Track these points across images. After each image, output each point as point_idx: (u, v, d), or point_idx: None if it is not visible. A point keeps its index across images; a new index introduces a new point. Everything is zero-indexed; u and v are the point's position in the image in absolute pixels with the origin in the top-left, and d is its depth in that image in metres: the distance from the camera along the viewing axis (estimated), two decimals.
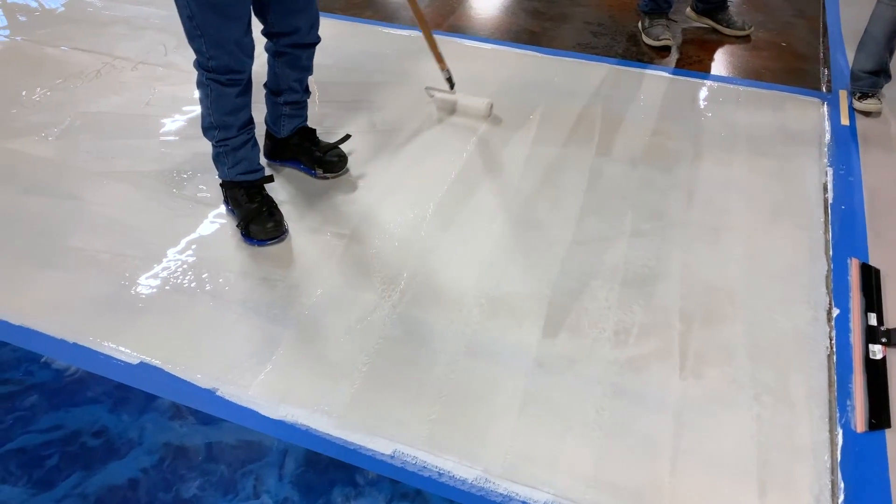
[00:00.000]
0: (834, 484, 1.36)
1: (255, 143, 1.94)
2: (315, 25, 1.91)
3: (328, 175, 2.13)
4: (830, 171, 2.18)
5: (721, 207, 2.04)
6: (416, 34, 2.93)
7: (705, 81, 2.67)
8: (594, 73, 2.71)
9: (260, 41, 1.81)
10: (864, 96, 2.44)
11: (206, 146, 1.95)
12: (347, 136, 2.19)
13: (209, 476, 1.37)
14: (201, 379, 1.54)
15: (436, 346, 1.62)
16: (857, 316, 1.69)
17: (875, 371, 1.56)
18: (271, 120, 2.11)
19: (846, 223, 1.97)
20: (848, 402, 1.50)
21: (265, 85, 2.04)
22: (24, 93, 2.52)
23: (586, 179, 2.14)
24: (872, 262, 1.84)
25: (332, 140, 2.17)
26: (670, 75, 2.70)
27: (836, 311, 1.70)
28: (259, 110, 2.12)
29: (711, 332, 1.66)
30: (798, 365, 1.59)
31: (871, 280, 1.78)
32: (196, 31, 1.67)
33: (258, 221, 1.88)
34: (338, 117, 2.41)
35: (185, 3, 1.63)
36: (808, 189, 2.11)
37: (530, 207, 2.03)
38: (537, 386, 1.54)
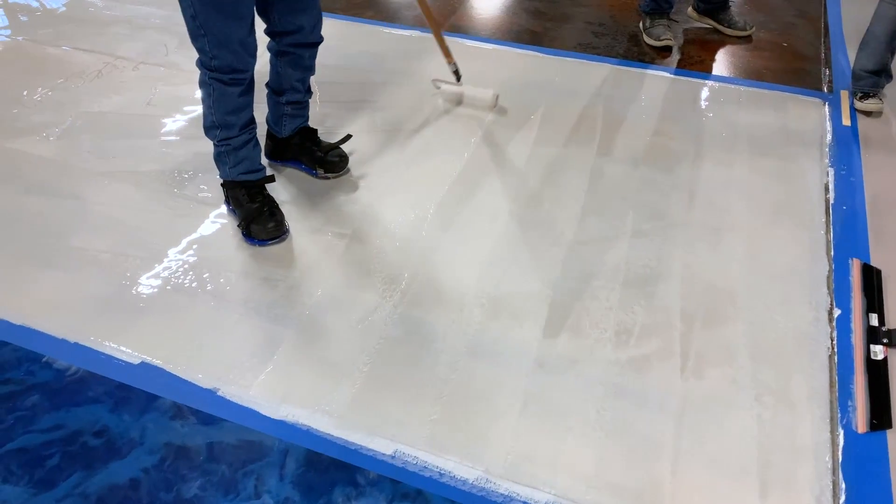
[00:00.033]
0: (835, 484, 1.36)
1: (257, 143, 1.94)
2: (318, 24, 1.91)
3: (329, 175, 2.13)
4: (832, 172, 2.18)
5: (722, 208, 2.04)
6: (418, 34, 2.93)
7: (706, 82, 2.67)
8: (595, 74, 2.71)
9: (262, 41, 1.81)
10: (865, 96, 2.44)
11: (208, 146, 1.95)
12: (348, 137, 2.19)
13: (210, 476, 1.37)
14: (202, 379, 1.54)
15: (437, 347, 1.62)
16: (858, 316, 1.69)
17: (876, 371, 1.56)
18: (273, 120, 2.11)
19: (847, 223, 1.97)
20: (849, 403, 1.50)
21: (267, 84, 2.05)
22: (25, 93, 2.52)
23: (587, 179, 2.14)
24: (874, 263, 1.83)
25: (334, 140, 2.17)
26: (671, 75, 2.70)
27: (837, 312, 1.70)
28: (260, 110, 2.12)
29: (713, 332, 1.66)
30: (799, 365, 1.59)
31: (872, 280, 1.77)
32: (199, 30, 1.67)
33: (259, 221, 1.88)
34: (339, 117, 2.41)
35: (188, 3, 1.63)
36: (810, 189, 2.11)
37: (531, 207, 2.03)
38: (538, 386, 1.54)
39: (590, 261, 1.85)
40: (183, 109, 2.45)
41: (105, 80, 2.62)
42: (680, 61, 2.82)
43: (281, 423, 1.46)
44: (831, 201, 2.06)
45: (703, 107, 2.51)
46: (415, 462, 1.39)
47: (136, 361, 1.58)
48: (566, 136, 2.34)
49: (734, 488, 1.35)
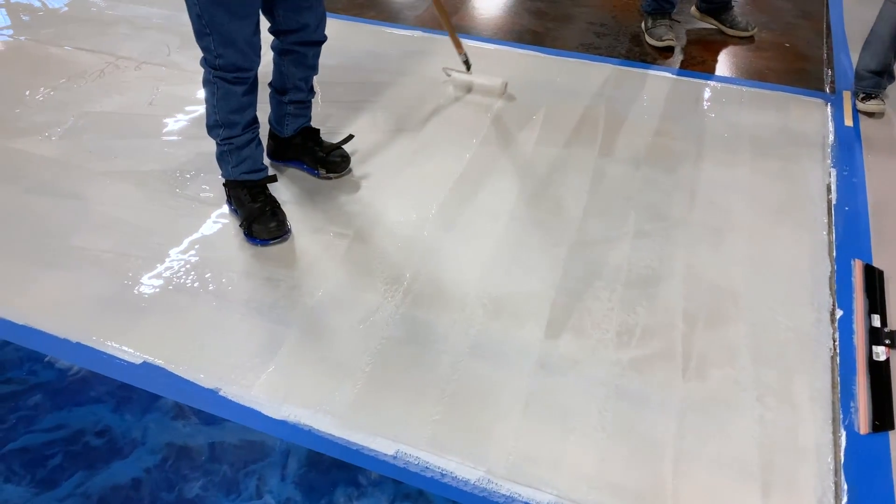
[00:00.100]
0: (837, 486, 1.36)
1: (260, 143, 1.94)
2: (322, 23, 1.92)
3: (331, 175, 2.13)
4: (834, 172, 2.17)
5: (724, 208, 2.03)
6: (419, 34, 2.94)
7: (708, 82, 2.66)
8: (597, 74, 2.71)
9: (264, 41, 1.81)
10: (867, 97, 2.44)
11: (209, 146, 1.95)
12: (350, 137, 2.19)
13: (212, 476, 1.37)
14: (204, 379, 1.54)
15: (439, 347, 1.62)
16: (860, 317, 1.68)
17: (878, 372, 1.56)
18: (275, 119, 2.11)
19: (850, 224, 1.97)
20: (851, 404, 1.50)
21: (270, 84, 2.05)
22: (27, 92, 2.52)
23: (589, 180, 2.14)
24: (876, 264, 1.83)
25: (336, 140, 2.17)
26: (673, 76, 2.70)
27: (839, 313, 1.70)
28: (262, 110, 2.12)
29: (714, 333, 1.66)
30: (801, 366, 1.59)
31: (874, 281, 1.77)
32: (205, 28, 1.67)
33: (261, 221, 1.88)
34: (341, 117, 2.41)
35: (194, 2, 1.63)
36: (812, 190, 2.11)
37: (533, 208, 2.03)
38: (540, 387, 1.54)
39: (592, 261, 1.85)
40: (185, 109, 2.45)
41: (107, 79, 2.62)
42: (682, 62, 2.82)
43: (283, 424, 1.46)
44: (833, 202, 2.05)
45: (705, 107, 2.51)
46: (416, 462, 1.39)
47: (138, 361, 1.58)
48: (568, 136, 2.34)
49: (736, 489, 1.35)
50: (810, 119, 2.45)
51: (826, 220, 1.99)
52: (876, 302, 1.71)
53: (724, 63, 2.83)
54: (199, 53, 1.75)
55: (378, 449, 1.41)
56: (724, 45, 2.96)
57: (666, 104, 2.52)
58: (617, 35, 3.02)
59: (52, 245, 1.89)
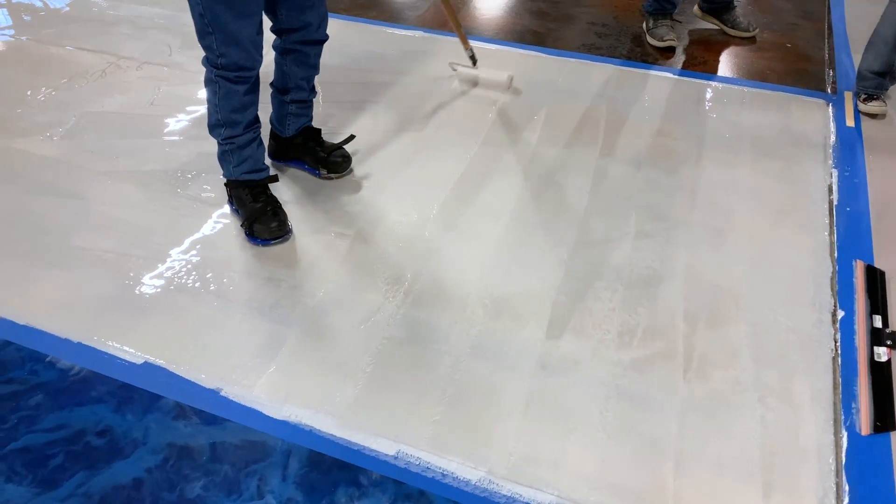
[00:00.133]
0: (839, 487, 1.36)
1: (261, 143, 1.94)
2: (324, 22, 1.92)
3: (332, 175, 2.13)
4: (835, 173, 2.17)
5: (725, 209, 2.03)
6: (420, 34, 2.94)
7: (710, 82, 2.66)
8: (598, 74, 2.70)
9: (266, 40, 1.82)
10: (869, 98, 2.44)
11: (211, 146, 1.95)
12: (352, 137, 2.19)
13: (213, 476, 1.37)
14: (205, 379, 1.54)
15: (440, 347, 1.62)
16: (861, 318, 1.68)
17: (880, 373, 1.56)
18: (277, 119, 2.11)
19: (851, 225, 1.97)
20: (853, 405, 1.50)
21: (272, 84, 2.05)
22: (29, 92, 2.53)
23: (590, 180, 2.14)
24: (877, 265, 1.83)
25: (337, 140, 2.17)
26: (675, 76, 2.70)
27: (840, 314, 1.70)
28: (264, 111, 2.12)
29: (716, 333, 1.66)
30: (803, 367, 1.58)
31: (876, 282, 1.77)
32: (207, 28, 1.67)
33: (262, 221, 1.89)
34: (342, 117, 2.42)
35: (196, 1, 1.63)
36: (813, 191, 2.11)
37: (534, 208, 2.03)
38: (541, 387, 1.54)
39: (593, 262, 1.85)
40: (186, 109, 2.45)
41: (108, 80, 2.62)
42: (683, 62, 2.82)
43: (284, 424, 1.46)
44: (835, 203, 2.05)
45: (707, 108, 2.51)
46: (417, 463, 1.39)
47: (140, 361, 1.58)
48: (569, 136, 2.34)
49: (737, 490, 1.35)
50: (812, 119, 2.45)
51: (827, 221, 1.99)
52: (877, 303, 1.71)
53: (726, 63, 2.83)
54: (201, 53, 1.76)
55: (379, 449, 1.41)
56: (725, 45, 2.96)
57: (667, 104, 2.52)
58: (618, 35, 3.02)
59: (54, 245, 1.89)
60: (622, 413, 1.49)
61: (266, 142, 2.13)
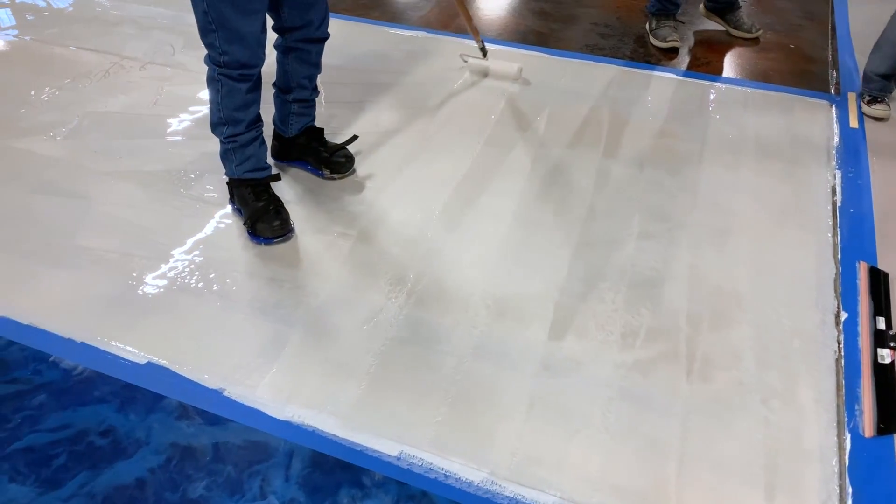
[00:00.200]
0: (842, 489, 1.36)
1: (263, 142, 1.94)
2: (325, 20, 1.92)
3: (335, 176, 2.13)
4: (839, 174, 2.17)
5: (729, 210, 2.03)
6: (423, 34, 2.94)
7: (713, 83, 2.66)
8: (601, 75, 2.70)
9: (268, 40, 1.82)
10: (873, 100, 2.43)
11: (214, 146, 1.95)
12: (355, 137, 2.19)
13: (216, 476, 1.37)
14: (208, 379, 1.54)
15: (442, 348, 1.62)
16: (865, 320, 1.68)
17: (883, 375, 1.55)
18: (279, 119, 2.11)
19: (855, 226, 1.97)
20: (856, 407, 1.49)
21: (274, 84, 2.05)
22: (32, 92, 2.53)
23: (593, 181, 2.14)
24: (881, 266, 1.83)
25: (340, 141, 2.17)
26: (678, 77, 2.70)
27: (844, 315, 1.70)
28: (267, 111, 2.12)
29: (719, 335, 1.66)
30: (806, 369, 1.58)
31: (879, 284, 1.77)
32: (210, 25, 1.67)
33: (265, 220, 1.89)
34: (345, 118, 2.42)
35: None
36: (817, 192, 2.11)
37: (537, 209, 2.03)
38: (544, 388, 1.53)
39: (596, 263, 1.85)
40: (189, 109, 2.45)
41: (112, 80, 2.62)
42: (686, 63, 2.82)
43: (286, 424, 1.46)
44: (838, 204, 2.05)
45: (710, 108, 2.51)
46: (420, 463, 1.39)
47: (143, 361, 1.58)
48: (572, 137, 2.34)
49: (740, 492, 1.35)
50: (815, 121, 2.44)
51: (831, 223, 1.99)
52: (881, 305, 1.71)
53: (729, 64, 2.83)
54: (204, 53, 1.75)
55: (382, 450, 1.41)
56: (728, 46, 2.96)
57: (670, 105, 2.52)
58: (621, 36, 3.02)
59: (57, 245, 1.89)
60: (625, 414, 1.48)
61: (268, 142, 2.13)
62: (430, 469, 1.38)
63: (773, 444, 1.43)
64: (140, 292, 1.76)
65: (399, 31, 2.99)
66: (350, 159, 2.14)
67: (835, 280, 1.80)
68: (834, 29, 3.08)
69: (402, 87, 2.60)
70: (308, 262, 1.85)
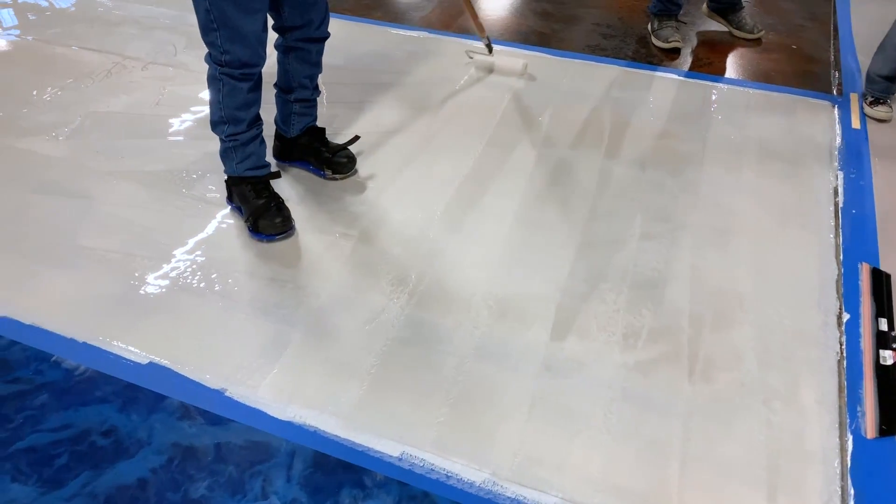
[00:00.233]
0: (844, 490, 1.35)
1: (263, 140, 1.95)
2: (325, 20, 1.93)
3: (337, 176, 2.13)
4: (841, 175, 2.17)
5: (730, 210, 2.03)
6: (425, 35, 2.94)
7: (715, 84, 2.66)
8: (603, 75, 2.70)
9: (269, 40, 1.82)
10: (875, 102, 2.43)
11: (216, 146, 1.96)
12: (357, 138, 2.19)
13: (217, 476, 1.37)
14: (210, 379, 1.54)
15: (444, 348, 1.62)
16: (867, 321, 1.68)
17: (886, 377, 1.55)
18: (281, 119, 2.12)
19: (857, 227, 1.96)
20: (858, 408, 1.49)
21: (275, 84, 2.05)
22: (34, 92, 2.53)
23: (595, 181, 2.14)
24: (883, 267, 1.83)
25: (341, 141, 2.17)
26: (680, 77, 2.70)
27: (846, 316, 1.70)
28: (269, 111, 2.12)
29: (721, 335, 1.66)
30: (808, 370, 1.58)
31: (881, 285, 1.77)
32: (212, 24, 1.67)
33: (267, 217, 1.89)
34: (347, 118, 2.42)
35: None
36: (819, 193, 2.10)
37: (539, 209, 2.03)
38: (546, 389, 1.53)
39: (597, 263, 1.85)
40: (191, 109, 2.46)
41: (114, 80, 2.63)
42: (688, 63, 2.82)
43: (288, 424, 1.46)
44: (840, 205, 2.05)
45: (712, 109, 2.50)
46: (422, 464, 1.39)
47: (145, 361, 1.58)
48: (574, 137, 2.34)
49: (742, 493, 1.35)
50: (817, 121, 2.44)
51: (833, 223, 1.99)
52: (883, 306, 1.71)
53: (731, 65, 2.82)
54: (206, 49, 1.76)
55: (383, 450, 1.41)
56: (730, 46, 2.96)
57: (672, 106, 2.52)
58: (623, 37, 3.02)
59: (59, 245, 1.89)
60: (627, 415, 1.48)
61: (269, 142, 2.14)
62: (432, 469, 1.38)
63: (775, 446, 1.43)
64: (142, 292, 1.76)
65: (401, 32, 2.99)
66: (352, 160, 2.14)
67: (837, 281, 1.80)
68: (836, 29, 3.08)
69: (404, 88, 2.60)
70: (310, 262, 1.85)
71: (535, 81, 2.65)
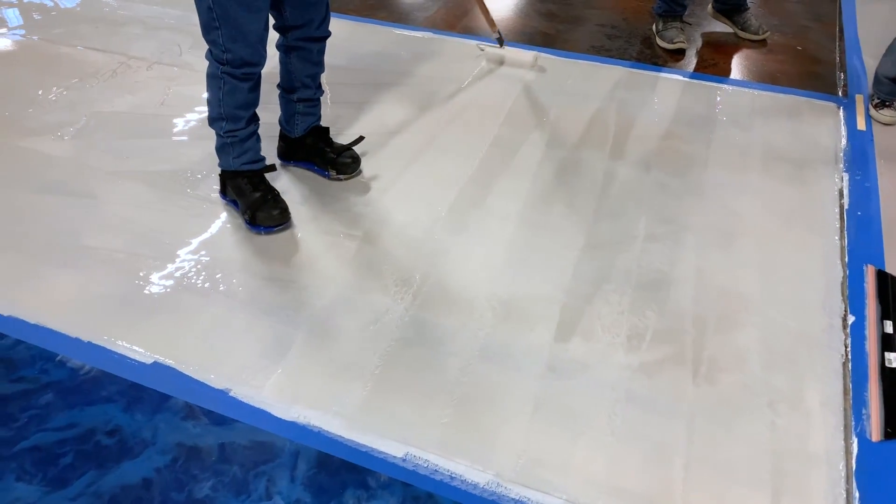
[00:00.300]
0: (849, 493, 1.35)
1: (259, 136, 1.96)
2: (326, 19, 1.93)
3: (341, 176, 2.13)
4: (846, 177, 2.16)
5: (735, 212, 2.03)
6: (430, 35, 2.94)
7: (720, 85, 2.65)
8: (608, 76, 2.70)
9: (270, 40, 1.82)
10: (881, 104, 2.42)
11: None
12: (361, 138, 2.19)
13: (222, 476, 1.37)
14: (214, 379, 1.55)
15: (448, 349, 1.62)
16: (872, 323, 1.67)
17: (891, 379, 1.55)
18: (285, 119, 2.12)
19: (862, 229, 1.96)
20: (863, 411, 1.49)
21: (278, 85, 2.05)
22: (40, 92, 2.54)
23: (600, 183, 2.14)
24: (889, 269, 1.82)
25: (346, 141, 2.17)
26: (685, 79, 2.69)
27: (851, 319, 1.69)
28: (272, 111, 2.13)
29: (725, 337, 1.66)
30: (813, 372, 1.58)
31: (887, 287, 1.76)
32: (214, 22, 1.67)
33: (264, 209, 1.90)
34: (351, 118, 2.42)
35: None
36: (824, 194, 2.10)
37: (543, 210, 2.03)
38: (550, 390, 1.53)
39: (602, 264, 1.85)
40: (196, 109, 2.46)
41: (119, 79, 2.63)
42: (693, 64, 2.81)
43: (292, 425, 1.46)
44: (846, 207, 2.04)
45: (717, 110, 2.50)
46: (426, 465, 1.39)
47: (149, 361, 1.58)
48: (578, 138, 2.34)
49: (746, 495, 1.35)
50: (822, 123, 2.44)
51: (838, 225, 1.98)
52: (888, 308, 1.70)
53: (736, 66, 2.82)
54: (207, 47, 1.76)
55: (387, 451, 1.41)
56: (735, 48, 2.95)
57: (677, 107, 2.51)
58: (628, 37, 3.01)
59: (64, 244, 1.90)
60: (631, 417, 1.48)
61: (274, 143, 2.14)
62: (436, 470, 1.38)
63: (780, 448, 1.42)
64: (146, 292, 1.76)
65: (405, 32, 2.99)
66: (356, 160, 2.14)
67: (842, 283, 1.80)
68: (842, 31, 3.07)
69: (409, 88, 2.60)
70: (313, 262, 1.86)
71: (540, 82, 2.64)
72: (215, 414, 1.48)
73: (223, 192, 2.01)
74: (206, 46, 1.77)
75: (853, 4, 3.27)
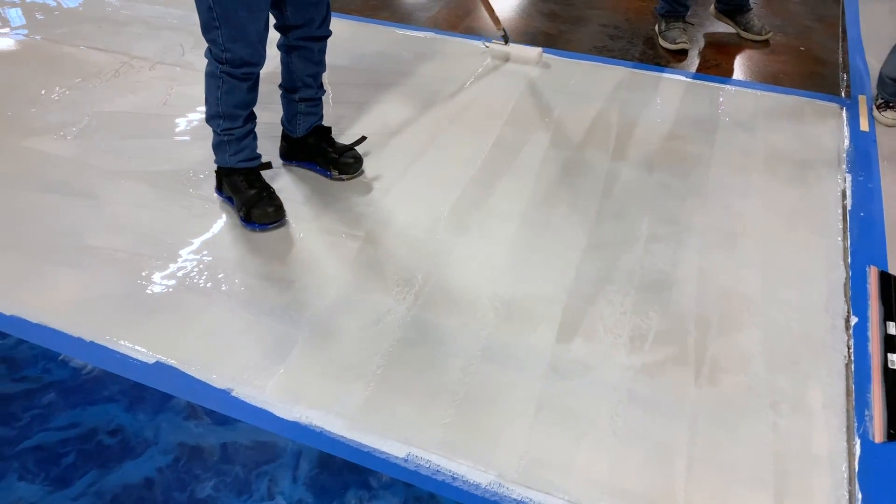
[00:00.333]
0: (851, 495, 1.35)
1: (256, 134, 1.96)
2: (327, 18, 1.94)
3: (343, 177, 2.13)
4: (849, 178, 2.16)
5: (738, 213, 2.02)
6: (432, 35, 2.94)
7: (723, 85, 2.65)
8: (610, 77, 2.70)
9: (270, 41, 1.82)
10: (884, 105, 2.42)
11: None
12: (363, 138, 2.20)
13: (224, 476, 1.37)
14: (216, 379, 1.55)
15: (450, 349, 1.62)
16: (875, 324, 1.67)
17: (894, 381, 1.54)
18: (287, 119, 2.12)
19: (865, 230, 1.96)
20: (866, 412, 1.49)
21: (280, 85, 2.06)
22: (42, 92, 2.54)
23: (602, 183, 2.14)
24: (892, 271, 1.82)
25: (348, 141, 2.17)
26: (687, 79, 2.69)
27: (854, 320, 1.69)
28: (275, 111, 2.13)
29: (728, 338, 1.65)
30: (815, 373, 1.57)
31: (890, 288, 1.76)
32: (214, 21, 1.68)
33: (259, 206, 1.90)
34: (353, 118, 2.42)
35: None
36: (827, 195, 2.10)
37: (546, 211, 2.03)
38: (552, 391, 1.53)
39: (604, 265, 1.85)
40: (198, 109, 2.46)
41: (122, 79, 2.63)
42: (696, 65, 2.81)
43: (294, 425, 1.46)
44: (849, 208, 2.04)
45: (719, 111, 2.50)
46: (427, 465, 1.39)
47: (151, 361, 1.59)
48: (581, 139, 2.34)
49: (748, 497, 1.34)
50: (825, 124, 2.43)
51: (841, 226, 1.98)
52: (891, 309, 1.70)
53: (739, 66, 2.82)
54: (207, 46, 1.76)
55: (389, 451, 1.41)
56: (738, 48, 2.95)
57: (680, 108, 2.51)
58: (630, 38, 3.01)
59: (66, 244, 1.90)
60: (633, 418, 1.48)
61: (277, 143, 2.14)
62: (438, 471, 1.38)
63: (782, 449, 1.42)
64: (149, 292, 1.76)
65: (408, 32, 2.99)
66: (358, 160, 2.14)
67: (845, 284, 1.79)
68: (844, 31, 3.07)
69: (411, 88, 2.60)
70: (316, 263, 1.86)
71: (542, 82, 2.64)
72: (217, 414, 1.48)
73: (219, 189, 2.02)
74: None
75: (856, 5, 3.26)
